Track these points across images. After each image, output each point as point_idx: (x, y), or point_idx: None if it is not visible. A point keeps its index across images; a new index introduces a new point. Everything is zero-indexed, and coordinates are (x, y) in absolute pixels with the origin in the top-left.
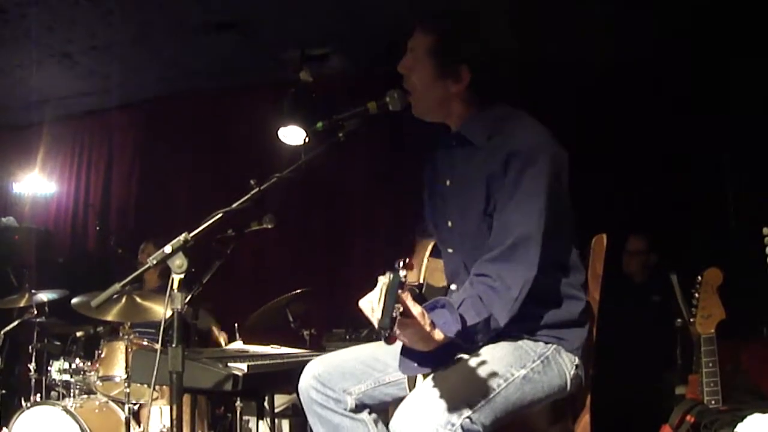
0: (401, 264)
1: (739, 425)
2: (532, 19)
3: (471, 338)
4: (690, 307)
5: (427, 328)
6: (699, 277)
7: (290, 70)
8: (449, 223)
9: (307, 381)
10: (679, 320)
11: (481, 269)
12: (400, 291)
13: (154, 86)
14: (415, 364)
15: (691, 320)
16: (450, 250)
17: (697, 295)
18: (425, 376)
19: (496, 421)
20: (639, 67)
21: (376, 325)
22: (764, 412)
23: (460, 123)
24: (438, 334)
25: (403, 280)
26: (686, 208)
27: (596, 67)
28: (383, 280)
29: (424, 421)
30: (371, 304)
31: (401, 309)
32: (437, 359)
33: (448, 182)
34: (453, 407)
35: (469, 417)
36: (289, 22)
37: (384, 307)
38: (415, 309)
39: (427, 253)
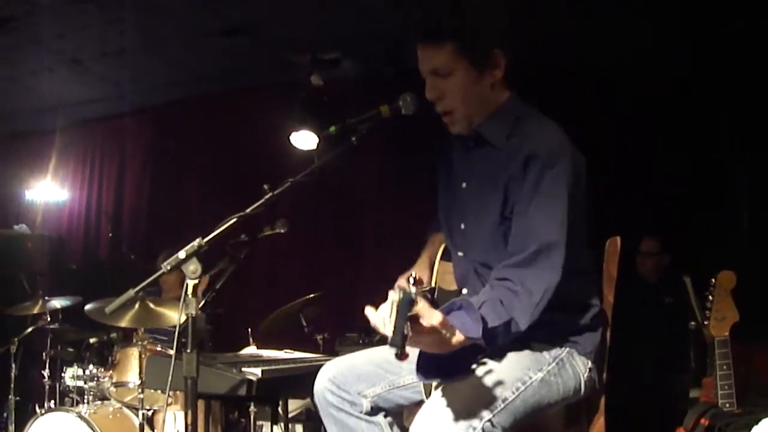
0: (411, 281)
1: (754, 428)
2: (539, 17)
3: (492, 341)
4: (703, 310)
5: (445, 334)
6: (712, 280)
7: (301, 74)
8: (462, 226)
9: (322, 383)
10: (692, 323)
11: (502, 274)
12: (411, 308)
13: (165, 91)
14: (429, 374)
15: (705, 323)
16: (460, 254)
17: (710, 297)
18: (439, 382)
19: (515, 424)
20: (651, 67)
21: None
22: None
23: (480, 121)
24: (458, 337)
25: (414, 297)
26: (700, 209)
27: (605, 66)
28: (393, 297)
29: (445, 426)
30: (383, 319)
31: (412, 325)
32: (452, 367)
33: (464, 185)
34: (473, 411)
35: (489, 420)
36: (299, 25)
37: (395, 325)
38: (436, 318)
39: (438, 256)
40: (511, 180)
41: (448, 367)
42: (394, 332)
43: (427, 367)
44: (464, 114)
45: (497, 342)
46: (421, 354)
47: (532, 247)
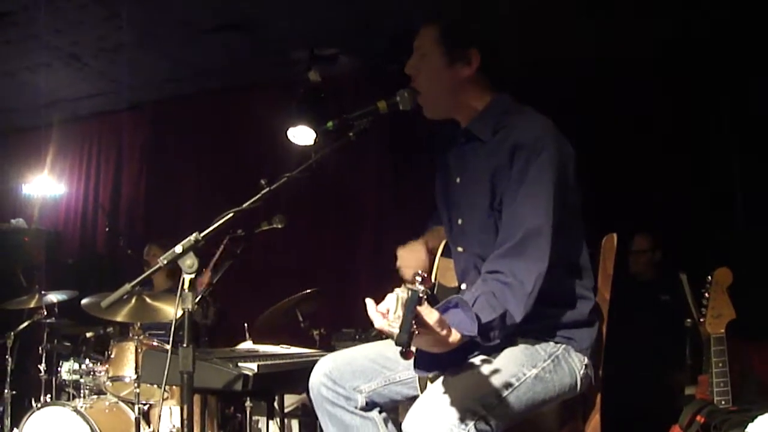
0: (419, 279)
1: (749, 425)
2: (535, 17)
3: (487, 336)
4: (700, 307)
5: (444, 333)
6: (709, 277)
7: (299, 70)
8: (459, 221)
9: (317, 378)
10: (688, 320)
11: (492, 266)
12: (418, 305)
13: (163, 87)
14: (429, 367)
15: (701, 320)
16: (460, 249)
17: (707, 294)
18: (435, 377)
19: (508, 420)
20: (645, 64)
21: (394, 340)
22: None
23: (469, 119)
24: (455, 336)
25: (422, 295)
26: (696, 207)
27: (601, 64)
28: (401, 295)
29: (437, 422)
30: (381, 315)
31: (417, 322)
32: (450, 360)
33: (458, 180)
34: (466, 408)
35: (482, 417)
36: (298, 22)
37: (402, 323)
38: (432, 316)
39: (439, 252)
40: (498, 171)
41: (444, 362)
42: (401, 330)
43: (424, 362)
44: (432, 98)
45: (494, 336)
46: (417, 350)
47: (519, 235)
